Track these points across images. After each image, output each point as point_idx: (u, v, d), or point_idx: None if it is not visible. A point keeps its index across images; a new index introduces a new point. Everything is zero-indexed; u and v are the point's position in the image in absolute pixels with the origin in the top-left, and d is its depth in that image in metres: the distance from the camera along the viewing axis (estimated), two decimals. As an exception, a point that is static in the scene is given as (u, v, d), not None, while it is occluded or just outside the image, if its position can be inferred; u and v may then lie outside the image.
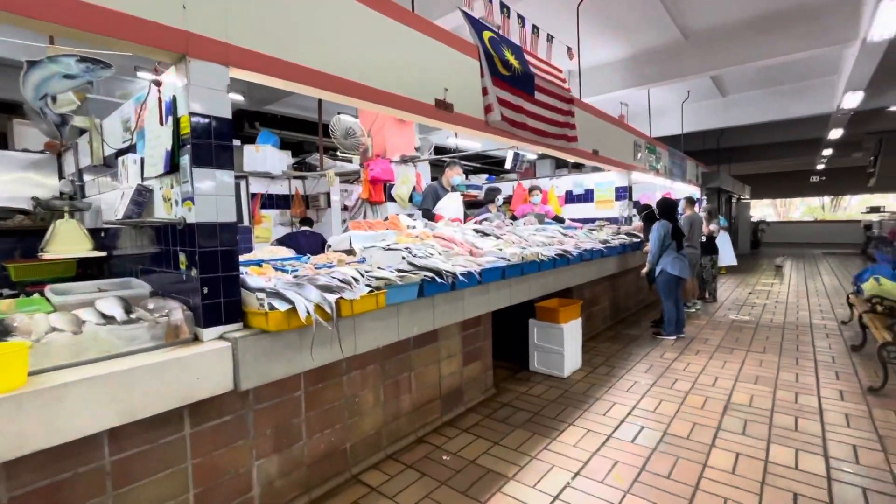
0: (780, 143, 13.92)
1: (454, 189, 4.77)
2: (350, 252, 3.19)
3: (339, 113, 4.95)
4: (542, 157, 12.82)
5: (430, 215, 4.58)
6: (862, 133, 12.68)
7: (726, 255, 8.42)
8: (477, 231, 3.98)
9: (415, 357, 2.78)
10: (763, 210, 28.12)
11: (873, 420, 2.85)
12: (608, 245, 4.84)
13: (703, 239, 6.45)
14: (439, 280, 2.45)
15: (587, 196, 6.75)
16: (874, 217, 14.71)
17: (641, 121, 9.18)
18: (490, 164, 13.57)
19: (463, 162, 12.78)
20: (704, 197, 10.72)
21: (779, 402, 3.17)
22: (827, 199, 27.99)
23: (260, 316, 1.72)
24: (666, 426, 2.83)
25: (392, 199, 5.10)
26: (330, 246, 3.34)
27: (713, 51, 6.69)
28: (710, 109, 10.27)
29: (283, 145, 6.96)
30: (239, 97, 6.40)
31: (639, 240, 5.74)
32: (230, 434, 1.85)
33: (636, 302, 6.67)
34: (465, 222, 4.68)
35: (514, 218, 5.93)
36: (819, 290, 7.98)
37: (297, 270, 2.49)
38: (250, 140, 6.01)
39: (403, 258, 2.69)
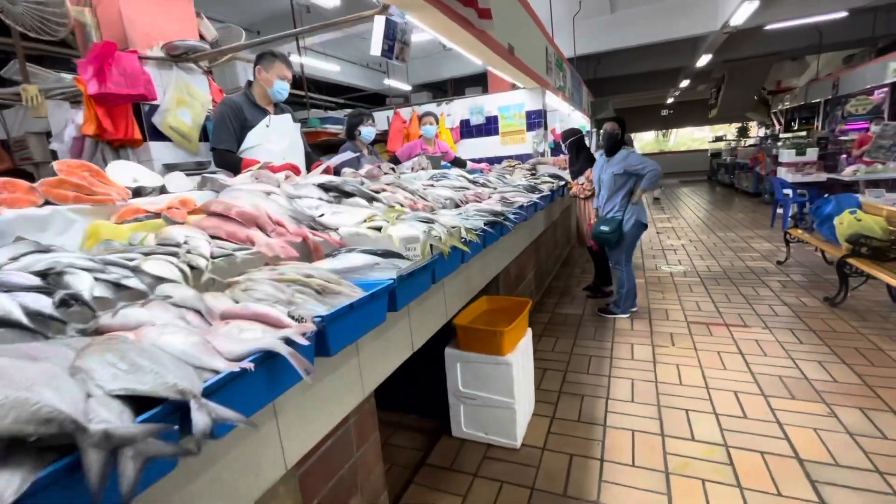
0: (647, 74, 13.85)
1: (280, 108, 2.55)
2: None
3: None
4: (418, 87, 10.73)
5: (231, 161, 2.34)
6: (718, 61, 13.10)
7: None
8: (328, 190, 1.93)
9: None
10: (618, 145, 30.27)
11: None
12: (542, 195, 3.20)
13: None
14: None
15: (490, 126, 4.99)
16: (722, 146, 15.95)
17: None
18: (357, 100, 11.02)
19: (323, 98, 9.98)
20: (595, 129, 9.91)
21: (873, 452, 1.92)
22: (660, 132, 31.23)
23: None
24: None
25: (162, 136, 2.66)
26: None
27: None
28: (600, 28, 9.15)
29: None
30: None
31: (563, 182, 4.23)
32: None
33: (554, 259, 5.36)
34: (310, 171, 2.62)
35: (395, 162, 3.95)
36: (715, 223, 7.68)
37: None
38: None
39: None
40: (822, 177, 7.33)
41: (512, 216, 2.23)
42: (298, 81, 5.97)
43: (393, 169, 2.99)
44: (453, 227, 1.62)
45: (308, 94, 6.56)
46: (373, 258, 1.30)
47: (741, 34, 9.67)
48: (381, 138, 5.47)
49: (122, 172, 1.50)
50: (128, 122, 2.49)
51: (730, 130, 21.72)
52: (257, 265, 1.21)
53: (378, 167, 2.62)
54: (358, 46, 8.94)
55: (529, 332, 2.25)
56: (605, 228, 3.30)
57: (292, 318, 0.89)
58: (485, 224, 1.92)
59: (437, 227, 1.54)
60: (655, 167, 3.19)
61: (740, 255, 5.20)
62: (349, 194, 1.90)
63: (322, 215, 1.62)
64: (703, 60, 11.05)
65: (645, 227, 3.40)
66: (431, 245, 1.47)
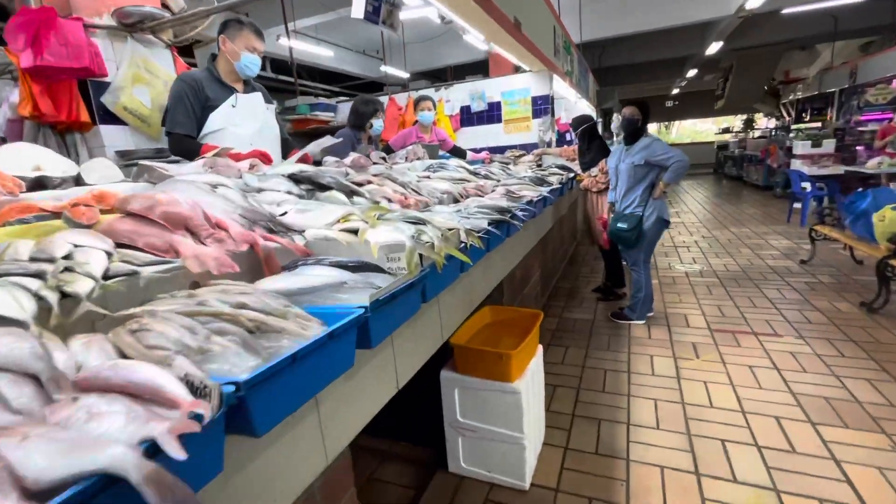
0: (654, 62, 13.41)
1: (250, 86, 2.20)
2: None
3: None
4: (417, 75, 10.33)
5: (189, 148, 1.99)
6: (728, 49, 12.65)
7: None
8: (300, 182, 1.59)
9: None
10: (619, 137, 29.72)
11: None
12: (551, 188, 2.86)
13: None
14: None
15: (492, 113, 4.62)
16: (729, 137, 15.54)
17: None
18: (352, 88, 10.63)
19: (316, 85, 9.54)
20: (601, 120, 9.52)
21: (943, 486, 1.61)
22: (663, 125, 30.74)
23: None
24: None
25: (114, 118, 2.31)
26: None
27: None
28: (608, 12, 8.73)
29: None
30: None
31: (572, 175, 3.88)
32: None
33: (560, 257, 5.03)
34: (287, 157, 2.31)
35: (388, 152, 3.61)
36: (727, 217, 7.33)
37: None
38: None
39: None
40: (840, 169, 6.97)
41: (520, 213, 1.89)
42: (288, 67, 5.59)
43: (384, 158, 2.65)
44: (450, 230, 1.28)
45: (298, 81, 6.17)
46: (340, 274, 0.97)
47: (754, 20, 9.24)
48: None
49: (20, 158, 1.16)
50: (72, 102, 2.14)
51: (734, 122, 21.24)
52: (178, 286, 0.87)
53: (367, 156, 2.28)
54: (352, 30, 8.53)
55: (540, 349, 1.92)
56: (623, 226, 2.95)
57: (191, 386, 0.56)
58: (489, 224, 1.59)
59: (429, 231, 1.19)
60: (682, 158, 2.85)
61: (759, 253, 4.87)
62: (326, 187, 1.56)
63: (284, 213, 1.28)
64: (713, 48, 10.63)
65: (667, 223, 3.07)
66: (429, 253, 1.13)
